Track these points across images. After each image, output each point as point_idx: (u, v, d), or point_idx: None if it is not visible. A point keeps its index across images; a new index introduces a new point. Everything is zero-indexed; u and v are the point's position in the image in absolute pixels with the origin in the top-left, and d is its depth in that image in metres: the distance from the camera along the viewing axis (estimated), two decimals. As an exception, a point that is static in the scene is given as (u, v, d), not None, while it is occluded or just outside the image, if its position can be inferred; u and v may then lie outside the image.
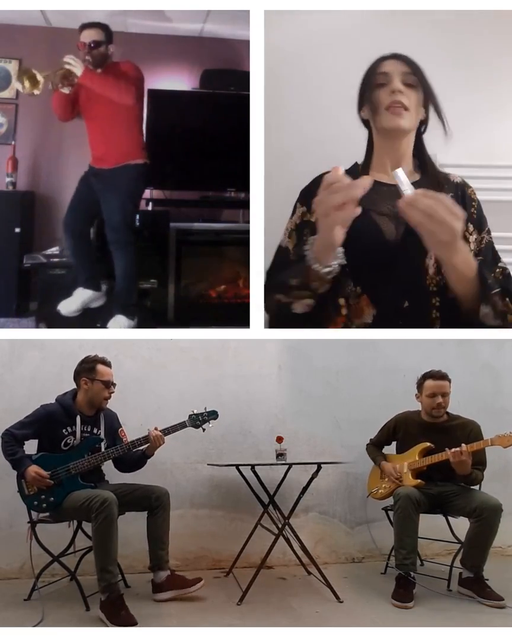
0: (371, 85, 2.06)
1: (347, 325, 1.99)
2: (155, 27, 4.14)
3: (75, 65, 3.16)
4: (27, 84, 3.11)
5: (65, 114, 3.44)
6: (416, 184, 2.06)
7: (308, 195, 2.15)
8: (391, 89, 2.01)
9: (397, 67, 2.04)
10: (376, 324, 1.99)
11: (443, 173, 2.18)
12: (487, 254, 2.06)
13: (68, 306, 3.62)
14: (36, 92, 3.13)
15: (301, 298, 1.91)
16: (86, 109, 3.41)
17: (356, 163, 2.16)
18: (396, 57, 2.06)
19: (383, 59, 2.07)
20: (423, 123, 2.11)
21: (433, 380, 2.74)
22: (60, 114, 3.45)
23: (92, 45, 3.28)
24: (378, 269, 1.95)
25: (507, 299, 1.96)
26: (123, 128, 3.42)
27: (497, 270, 2.06)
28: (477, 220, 2.10)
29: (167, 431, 2.57)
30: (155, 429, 2.56)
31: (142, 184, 3.57)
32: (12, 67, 4.21)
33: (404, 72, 2.03)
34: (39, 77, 3.11)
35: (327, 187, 1.74)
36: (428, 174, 2.12)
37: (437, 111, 2.09)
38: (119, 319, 3.49)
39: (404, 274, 1.99)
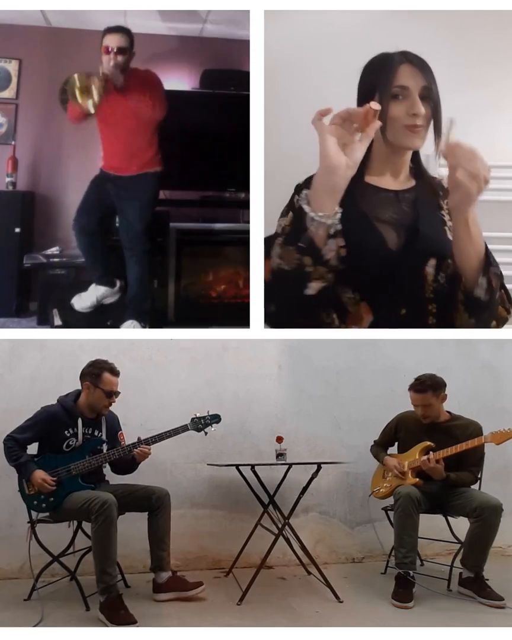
0: (386, 94, 1.93)
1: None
2: (155, 27, 4.13)
3: (117, 78, 3.15)
4: (80, 96, 3.04)
5: (80, 119, 3.35)
6: (412, 190, 2.06)
7: (300, 188, 2.10)
8: (413, 111, 1.91)
9: (417, 80, 1.93)
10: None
11: (437, 179, 2.17)
12: None
13: (82, 302, 3.66)
14: (95, 102, 3.06)
15: (316, 278, 1.81)
16: (106, 115, 3.35)
17: None
18: (413, 63, 1.94)
19: (401, 62, 1.94)
20: (437, 131, 2.06)
21: (413, 393, 2.75)
22: (75, 120, 3.37)
23: (117, 51, 3.22)
24: (379, 276, 1.92)
25: (503, 291, 1.96)
26: (144, 137, 3.40)
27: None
28: None
29: (169, 434, 2.57)
30: (140, 443, 2.54)
31: (157, 190, 3.59)
32: (12, 67, 4.20)
33: (423, 87, 1.93)
34: (94, 86, 3.04)
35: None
36: (423, 180, 2.09)
37: (439, 122, 1.99)
38: (132, 323, 3.51)
39: (404, 281, 1.96)
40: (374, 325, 1.97)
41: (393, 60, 1.96)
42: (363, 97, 2.02)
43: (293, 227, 1.83)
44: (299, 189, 2.10)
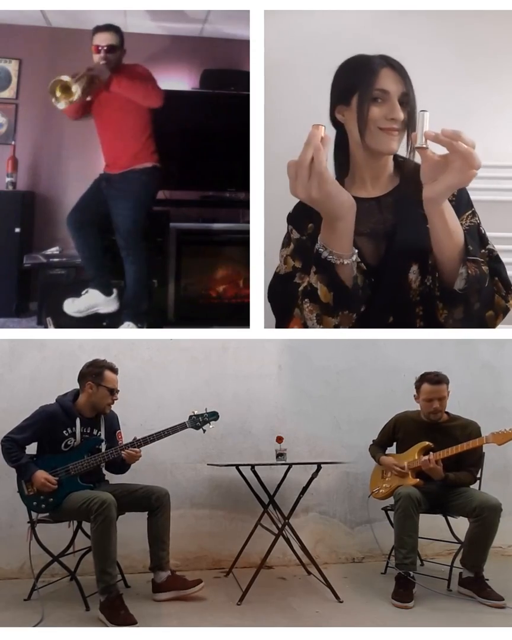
0: (365, 97, 1.94)
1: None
2: (155, 27, 4.14)
3: (103, 72, 3.14)
4: (59, 94, 3.03)
5: (77, 114, 3.39)
6: (397, 188, 2.05)
7: (293, 218, 2.11)
8: (392, 116, 1.93)
9: (397, 85, 1.94)
10: None
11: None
12: (472, 236, 2.00)
13: (73, 306, 3.59)
14: (70, 101, 3.06)
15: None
16: (98, 114, 3.39)
17: None
18: (394, 68, 1.96)
19: (382, 65, 1.95)
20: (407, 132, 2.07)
21: (429, 385, 2.72)
22: (72, 115, 3.40)
23: (107, 48, 3.24)
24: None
25: (496, 279, 1.95)
26: (132, 131, 3.39)
27: (484, 251, 2.01)
28: (455, 204, 2.01)
29: (167, 432, 2.57)
30: (136, 443, 2.54)
31: (152, 187, 3.52)
32: (12, 67, 4.20)
33: (402, 93, 1.94)
34: (73, 88, 3.03)
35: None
36: (407, 175, 2.05)
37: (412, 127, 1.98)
38: (128, 325, 3.49)
39: (387, 291, 1.95)
40: None
41: (374, 63, 1.97)
42: (339, 98, 2.03)
43: (334, 293, 1.85)
44: (292, 219, 2.11)
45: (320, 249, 1.84)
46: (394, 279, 1.96)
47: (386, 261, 1.96)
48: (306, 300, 1.91)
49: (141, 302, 3.55)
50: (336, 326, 1.88)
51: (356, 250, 1.86)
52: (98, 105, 3.36)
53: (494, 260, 2.00)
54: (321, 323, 1.89)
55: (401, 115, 1.94)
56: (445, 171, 1.74)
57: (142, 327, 3.49)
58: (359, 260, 1.89)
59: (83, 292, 3.62)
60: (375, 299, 1.95)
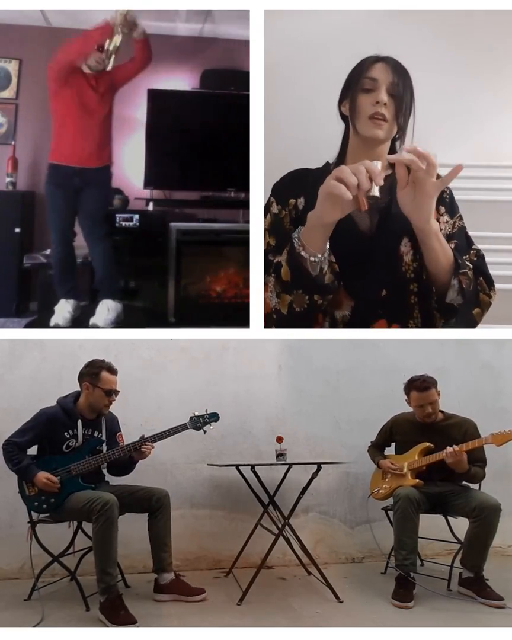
0: (357, 87, 2.03)
1: (326, 317, 1.99)
2: (155, 27, 4.14)
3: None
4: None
5: (65, 74, 3.36)
6: (387, 178, 2.07)
7: (277, 189, 2.13)
8: (376, 100, 1.98)
9: (386, 75, 2.00)
10: (355, 315, 2.00)
11: None
12: (460, 238, 2.07)
13: (64, 318, 3.62)
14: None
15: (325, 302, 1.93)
16: (83, 105, 3.41)
17: (328, 162, 2.14)
18: (386, 61, 2.03)
19: (375, 60, 2.03)
20: (400, 130, 2.08)
21: (417, 392, 2.71)
22: (61, 71, 3.35)
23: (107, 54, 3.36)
24: (353, 260, 1.96)
25: (481, 279, 1.99)
26: (109, 131, 3.56)
27: (472, 252, 2.07)
28: (449, 204, 2.09)
29: (168, 433, 2.57)
30: (145, 440, 2.54)
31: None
32: (12, 67, 4.21)
33: (391, 83, 1.99)
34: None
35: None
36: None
37: (404, 122, 2.04)
38: (107, 302, 3.55)
39: (380, 263, 2.00)
40: (355, 309, 2.00)
41: (369, 59, 2.05)
42: (343, 93, 2.10)
43: (293, 273, 1.87)
44: (276, 190, 2.13)
45: (295, 237, 1.87)
46: (386, 248, 1.99)
47: (379, 232, 2.00)
48: (272, 275, 1.94)
49: (114, 281, 3.67)
50: (291, 304, 1.90)
51: (329, 252, 1.88)
52: (85, 98, 3.41)
53: (479, 259, 2.05)
54: (279, 299, 1.92)
55: (384, 97, 1.98)
56: (416, 191, 1.77)
57: (120, 302, 3.60)
58: (333, 260, 1.91)
59: (55, 307, 3.64)
60: (367, 272, 1.98)
